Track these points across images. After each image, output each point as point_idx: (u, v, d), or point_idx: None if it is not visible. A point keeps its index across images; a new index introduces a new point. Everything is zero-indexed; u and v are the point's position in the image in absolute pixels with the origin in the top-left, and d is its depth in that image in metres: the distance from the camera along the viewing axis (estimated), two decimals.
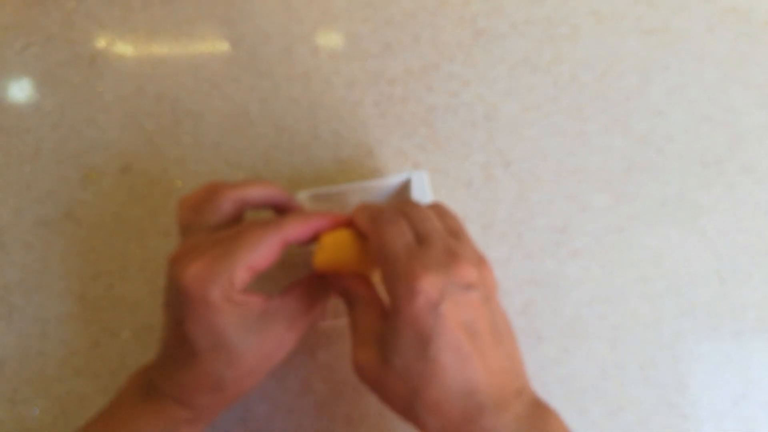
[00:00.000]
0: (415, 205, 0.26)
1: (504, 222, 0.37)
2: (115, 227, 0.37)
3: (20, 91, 0.39)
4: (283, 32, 0.40)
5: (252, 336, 0.24)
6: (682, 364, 0.36)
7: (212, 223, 0.26)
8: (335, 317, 0.32)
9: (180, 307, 0.23)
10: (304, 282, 0.27)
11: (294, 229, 0.25)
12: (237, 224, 0.27)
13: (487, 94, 0.39)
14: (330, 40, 0.40)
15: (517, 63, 0.40)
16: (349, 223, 0.26)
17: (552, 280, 0.37)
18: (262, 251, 0.24)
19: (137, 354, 0.35)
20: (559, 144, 0.39)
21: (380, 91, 0.39)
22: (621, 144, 0.39)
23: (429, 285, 0.22)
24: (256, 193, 0.27)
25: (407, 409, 0.23)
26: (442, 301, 0.22)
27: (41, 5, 0.40)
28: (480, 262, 0.24)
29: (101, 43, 0.39)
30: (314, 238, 0.26)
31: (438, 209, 0.27)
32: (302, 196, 0.32)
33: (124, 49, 0.39)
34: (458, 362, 0.22)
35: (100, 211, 0.37)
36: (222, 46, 0.39)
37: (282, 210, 0.29)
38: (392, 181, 0.33)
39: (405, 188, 0.33)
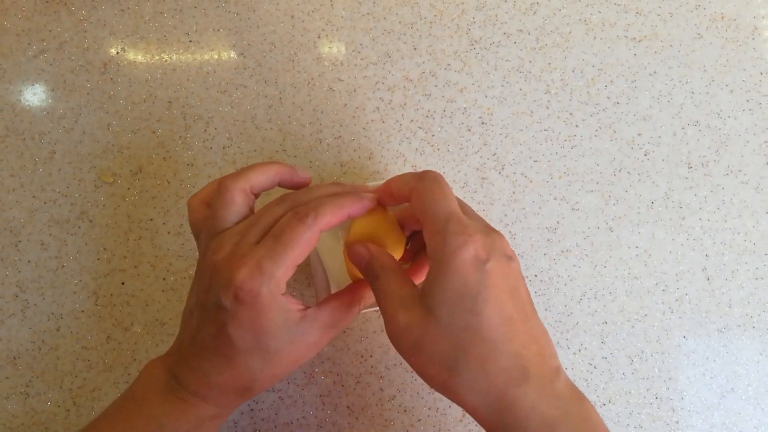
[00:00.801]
0: (436, 180, 0.26)
1: (498, 222, 0.39)
2: (127, 227, 0.38)
3: (34, 95, 0.40)
4: (288, 41, 0.41)
5: (289, 341, 0.24)
6: (670, 358, 0.37)
7: (231, 219, 0.26)
8: None
9: (226, 311, 0.23)
10: (341, 296, 0.27)
11: (329, 221, 0.25)
12: (251, 212, 0.27)
13: (482, 100, 0.40)
14: (332, 49, 0.41)
15: (511, 70, 0.41)
16: (375, 206, 0.27)
17: (544, 278, 0.38)
18: (302, 248, 0.24)
19: (148, 348, 0.36)
20: (550, 148, 0.40)
21: (380, 98, 0.40)
22: (610, 147, 0.40)
23: (479, 243, 0.22)
24: (262, 177, 0.27)
25: (449, 368, 0.22)
26: (489, 260, 0.22)
27: (54, 13, 0.41)
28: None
29: (113, 50, 0.41)
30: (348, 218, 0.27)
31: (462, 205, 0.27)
32: None
33: (135, 56, 0.41)
34: (503, 320, 0.22)
35: (113, 211, 0.38)
36: (230, 55, 0.41)
37: (289, 185, 0.29)
38: None
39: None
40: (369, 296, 0.28)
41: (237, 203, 0.26)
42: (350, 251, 0.27)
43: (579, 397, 0.23)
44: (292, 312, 0.25)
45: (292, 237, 0.24)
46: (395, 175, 0.33)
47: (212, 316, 0.24)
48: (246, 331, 0.24)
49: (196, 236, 0.28)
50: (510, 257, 0.24)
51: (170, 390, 0.26)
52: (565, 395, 0.22)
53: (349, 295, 0.27)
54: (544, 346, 0.23)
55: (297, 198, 0.26)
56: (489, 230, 0.24)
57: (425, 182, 0.25)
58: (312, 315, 0.25)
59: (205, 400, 0.26)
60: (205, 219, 0.27)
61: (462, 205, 0.27)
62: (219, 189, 0.26)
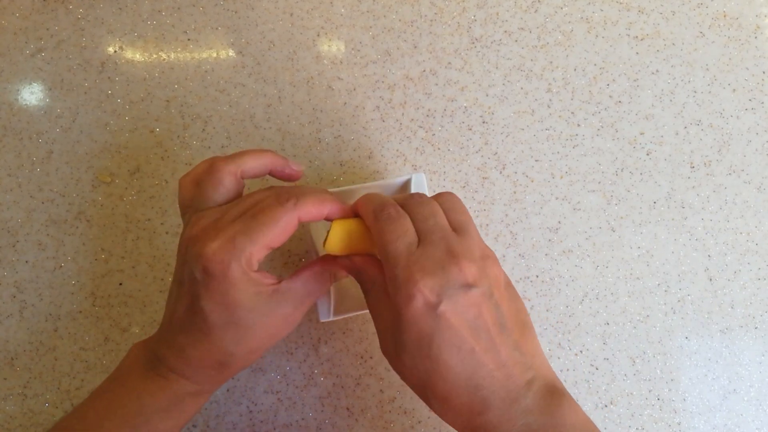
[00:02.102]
0: (421, 200, 0.26)
1: (499, 222, 0.39)
2: (125, 227, 0.38)
3: (31, 94, 0.40)
4: (287, 40, 0.41)
5: (262, 315, 0.25)
6: (672, 359, 0.37)
7: (217, 200, 0.26)
8: (338, 313, 0.33)
9: (198, 284, 0.24)
10: (312, 266, 0.27)
11: (309, 210, 0.25)
12: (239, 196, 0.27)
13: (483, 99, 0.40)
14: (332, 47, 0.41)
15: (512, 69, 0.41)
16: (353, 211, 0.27)
17: (545, 278, 0.38)
18: (279, 230, 0.24)
19: None
20: (552, 147, 0.40)
21: (380, 96, 0.40)
22: (612, 147, 0.40)
23: (426, 288, 0.22)
24: (254, 163, 0.27)
25: (424, 398, 0.24)
26: (440, 302, 0.22)
27: (52, 11, 0.41)
28: (483, 257, 0.24)
29: (111, 49, 0.40)
30: (325, 219, 0.27)
31: (447, 202, 0.26)
32: None
33: (134, 55, 0.40)
34: (461, 359, 0.22)
35: (111, 211, 0.38)
36: (228, 53, 0.41)
37: (280, 175, 0.29)
38: (392, 182, 0.33)
39: (404, 189, 0.34)
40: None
41: (225, 185, 0.26)
42: (341, 264, 0.27)
43: (552, 405, 0.23)
44: (264, 286, 0.25)
45: (270, 217, 0.24)
46: (375, 187, 0.33)
47: (186, 290, 0.24)
48: (218, 304, 0.24)
49: (183, 215, 0.28)
50: (468, 285, 0.23)
51: (151, 367, 0.26)
52: (533, 408, 0.23)
53: (321, 264, 0.27)
54: (512, 366, 0.23)
55: (282, 188, 0.27)
56: (447, 260, 0.23)
57: (380, 222, 0.24)
58: (285, 287, 0.25)
59: (184, 376, 0.26)
60: (193, 198, 0.27)
61: (449, 207, 0.26)
62: (209, 169, 0.26)
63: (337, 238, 0.26)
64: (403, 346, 0.23)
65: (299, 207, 0.24)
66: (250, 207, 0.25)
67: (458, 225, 0.25)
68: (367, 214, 0.25)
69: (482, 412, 0.23)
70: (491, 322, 0.23)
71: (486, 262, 0.24)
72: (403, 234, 0.24)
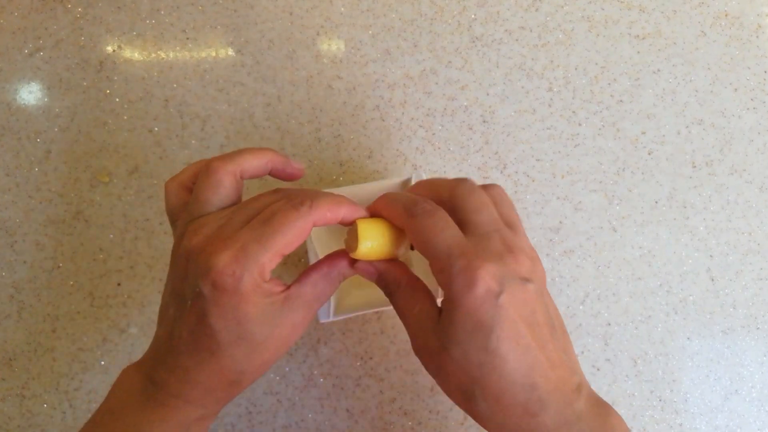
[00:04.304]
0: (472, 188, 0.24)
1: None
2: (124, 227, 0.38)
3: (29, 94, 0.39)
4: (286, 38, 0.41)
5: (274, 326, 0.23)
6: (674, 360, 0.37)
7: (216, 203, 0.24)
8: (338, 313, 0.33)
9: (205, 300, 0.22)
10: (320, 267, 0.25)
11: (325, 214, 0.23)
12: (239, 198, 0.25)
13: (484, 99, 0.40)
14: (332, 46, 0.41)
15: (513, 68, 0.40)
16: (372, 213, 0.25)
17: (547, 278, 0.38)
18: (293, 236, 0.22)
19: (144, 350, 0.36)
20: (553, 146, 0.40)
21: (380, 95, 0.40)
22: (613, 146, 0.40)
23: (489, 275, 0.21)
24: (254, 162, 0.25)
25: (467, 399, 0.22)
26: (502, 292, 0.21)
27: (50, 10, 0.41)
28: (533, 255, 0.23)
29: (109, 48, 0.40)
30: (340, 222, 0.25)
31: (497, 195, 0.25)
32: None
33: (132, 54, 0.40)
34: (519, 353, 0.21)
35: (109, 211, 0.38)
36: (227, 52, 0.40)
37: (281, 175, 0.27)
38: (392, 182, 0.33)
39: (404, 189, 0.33)
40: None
41: (225, 186, 0.24)
42: (357, 270, 0.25)
43: (601, 413, 0.22)
44: (276, 295, 0.23)
45: (283, 223, 0.22)
46: (375, 187, 0.32)
47: (191, 307, 0.22)
48: (229, 320, 0.22)
49: (173, 223, 0.26)
50: (526, 279, 0.22)
51: (148, 396, 0.24)
52: (585, 414, 0.22)
53: (329, 264, 0.25)
54: (564, 368, 0.22)
55: (292, 190, 0.25)
56: (504, 251, 0.22)
57: (417, 219, 0.23)
58: (295, 293, 0.24)
59: (188, 401, 0.24)
60: (185, 204, 0.25)
61: (500, 201, 0.25)
62: (206, 170, 0.24)
63: (366, 241, 0.24)
64: (455, 337, 0.21)
65: (314, 210, 0.23)
66: (258, 211, 0.23)
67: (509, 221, 0.24)
68: (397, 214, 0.24)
69: (537, 414, 0.21)
70: (543, 320, 0.22)
71: (535, 262, 0.23)
72: (446, 226, 0.23)
